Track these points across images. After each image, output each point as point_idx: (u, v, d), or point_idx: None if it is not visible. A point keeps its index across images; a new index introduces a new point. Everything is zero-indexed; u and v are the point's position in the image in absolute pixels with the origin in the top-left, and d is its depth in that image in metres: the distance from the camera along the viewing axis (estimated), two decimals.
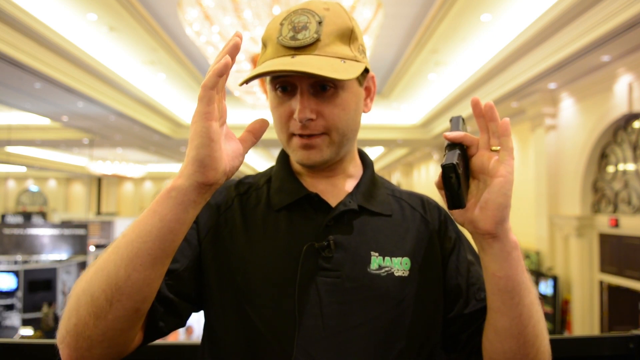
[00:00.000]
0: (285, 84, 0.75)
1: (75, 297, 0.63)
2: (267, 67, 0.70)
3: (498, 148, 0.68)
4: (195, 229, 0.79)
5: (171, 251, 0.64)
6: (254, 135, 0.69)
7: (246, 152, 0.69)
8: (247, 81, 0.70)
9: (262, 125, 0.70)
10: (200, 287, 0.78)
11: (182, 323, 0.76)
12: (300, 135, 0.76)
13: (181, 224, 0.63)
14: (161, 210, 0.62)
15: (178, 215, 0.62)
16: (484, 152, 0.69)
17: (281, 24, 0.74)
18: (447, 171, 0.64)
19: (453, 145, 0.68)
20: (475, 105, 0.69)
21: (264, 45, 0.77)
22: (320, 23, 0.72)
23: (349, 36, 0.75)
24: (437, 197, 0.92)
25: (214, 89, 0.60)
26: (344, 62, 0.72)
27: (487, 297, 0.73)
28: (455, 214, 0.71)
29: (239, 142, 0.68)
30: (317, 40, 0.71)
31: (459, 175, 0.64)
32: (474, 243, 0.73)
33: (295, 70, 0.68)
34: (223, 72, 0.60)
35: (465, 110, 8.33)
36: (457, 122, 0.73)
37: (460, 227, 0.79)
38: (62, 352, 0.63)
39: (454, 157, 0.65)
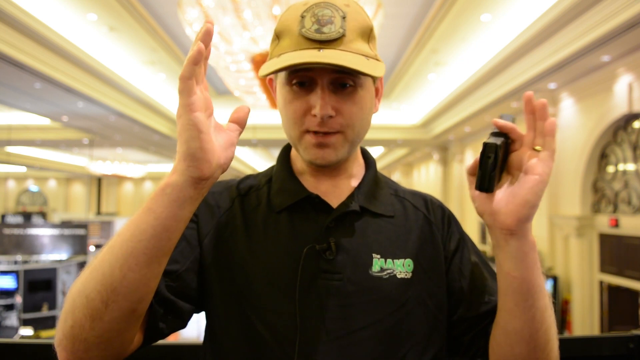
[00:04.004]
0: (303, 79, 0.72)
1: (71, 299, 0.62)
2: (296, 59, 0.67)
3: (540, 149, 0.66)
4: (196, 229, 0.78)
5: (167, 250, 0.62)
6: (239, 124, 0.67)
7: (236, 141, 0.67)
8: (276, 71, 0.69)
9: (244, 112, 0.68)
10: (201, 288, 0.77)
11: (183, 324, 0.75)
12: (315, 133, 0.74)
13: (177, 222, 0.61)
14: (156, 208, 0.60)
15: (174, 213, 0.60)
16: (526, 150, 0.67)
17: (302, 16, 0.71)
18: (488, 150, 0.63)
19: (499, 134, 0.67)
20: (529, 100, 0.66)
21: (278, 36, 0.74)
22: (344, 18, 0.71)
23: (368, 34, 0.74)
24: (438, 198, 0.91)
25: (192, 78, 0.58)
26: (368, 59, 0.71)
27: (499, 297, 0.72)
28: (477, 202, 0.69)
29: (229, 132, 0.66)
30: (343, 35, 0.70)
31: (497, 158, 0.63)
32: (490, 237, 0.71)
33: (329, 63, 0.66)
34: (198, 60, 0.58)
35: (465, 110, 8.33)
36: (507, 120, 0.70)
37: (466, 230, 0.78)
38: (60, 355, 0.62)
39: (498, 141, 0.64)
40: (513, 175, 0.68)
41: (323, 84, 0.71)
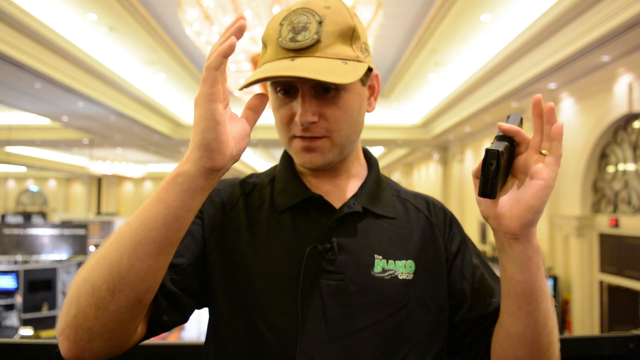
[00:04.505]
0: (286, 86, 0.73)
1: (76, 287, 0.61)
2: (267, 72, 0.68)
3: (546, 153, 0.65)
4: (201, 224, 0.78)
5: (176, 240, 0.62)
6: (255, 112, 0.68)
7: (251, 131, 0.68)
8: (246, 86, 0.69)
9: (261, 100, 0.68)
10: (204, 283, 0.78)
11: (185, 318, 0.75)
12: (302, 138, 0.74)
13: (187, 211, 0.61)
14: (167, 197, 0.60)
15: (185, 202, 0.61)
16: (532, 154, 0.66)
17: (280, 24, 0.71)
18: (490, 156, 0.62)
19: (503, 137, 0.66)
20: (537, 103, 0.66)
21: (264, 45, 0.75)
22: (320, 23, 0.70)
23: (350, 35, 0.73)
24: (438, 198, 0.91)
25: (218, 69, 0.59)
26: (346, 63, 0.70)
27: (502, 300, 0.72)
28: (482, 206, 0.69)
29: (245, 122, 0.67)
30: (318, 41, 0.69)
31: (499, 164, 0.62)
32: (495, 241, 0.71)
33: (294, 76, 0.66)
34: (229, 53, 0.58)
35: (465, 110, 8.33)
36: (514, 120, 0.70)
37: (466, 230, 0.78)
38: (61, 344, 0.62)
39: (501, 147, 0.63)
40: (518, 179, 0.67)
41: (304, 90, 0.72)
